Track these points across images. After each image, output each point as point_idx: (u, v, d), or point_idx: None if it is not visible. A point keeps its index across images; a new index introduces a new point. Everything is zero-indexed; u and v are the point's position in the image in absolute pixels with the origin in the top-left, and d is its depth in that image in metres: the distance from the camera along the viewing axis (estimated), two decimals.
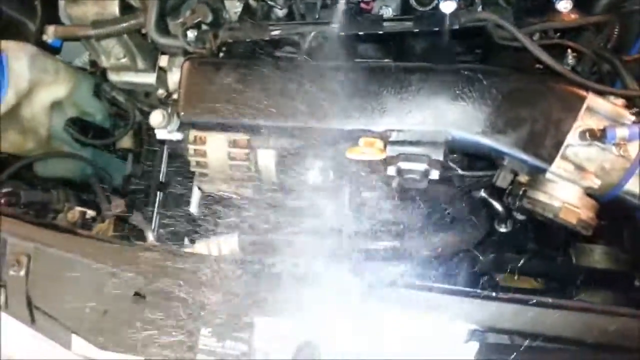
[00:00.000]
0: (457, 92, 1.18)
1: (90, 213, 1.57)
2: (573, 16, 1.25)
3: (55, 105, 1.83)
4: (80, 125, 1.91)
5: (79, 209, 1.55)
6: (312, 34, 1.33)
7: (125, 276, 1.26)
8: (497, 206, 1.71)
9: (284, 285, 1.22)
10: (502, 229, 1.79)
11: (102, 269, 1.28)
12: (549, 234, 1.72)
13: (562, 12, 1.06)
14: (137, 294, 1.23)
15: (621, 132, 1.08)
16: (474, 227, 1.39)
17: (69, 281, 1.29)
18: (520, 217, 1.70)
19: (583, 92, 1.16)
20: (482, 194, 1.68)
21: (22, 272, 1.29)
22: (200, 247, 1.47)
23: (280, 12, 1.46)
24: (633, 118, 1.16)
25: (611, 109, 1.16)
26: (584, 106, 1.14)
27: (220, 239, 1.47)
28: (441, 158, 1.19)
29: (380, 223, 1.38)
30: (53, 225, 1.44)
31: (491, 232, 1.78)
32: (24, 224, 1.35)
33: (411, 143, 1.21)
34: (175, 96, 1.45)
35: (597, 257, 1.64)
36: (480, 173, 1.51)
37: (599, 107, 1.15)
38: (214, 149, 1.45)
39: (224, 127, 1.35)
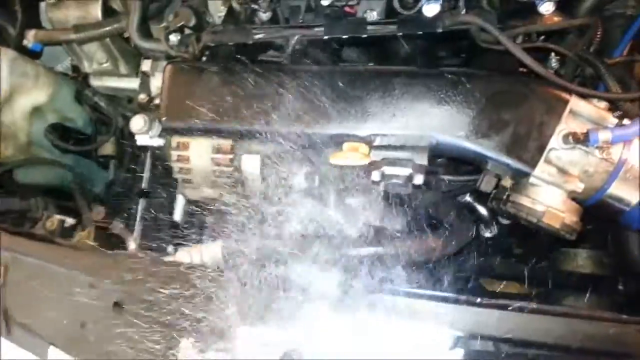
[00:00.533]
0: (441, 95, 1.17)
1: (70, 221, 1.54)
2: (556, 19, 1.25)
3: (36, 111, 1.80)
4: (61, 132, 1.89)
5: (58, 217, 1.52)
6: (296, 37, 1.32)
7: (105, 286, 1.24)
8: (482, 211, 1.71)
9: (267, 293, 1.21)
10: (487, 234, 1.78)
11: (80, 279, 1.26)
12: (534, 239, 1.72)
13: (545, 15, 1.06)
14: (116, 304, 1.21)
15: (604, 135, 1.08)
16: (459, 232, 1.38)
17: (47, 291, 1.27)
18: (505, 221, 1.69)
19: (566, 95, 1.16)
20: (467, 198, 1.68)
21: None
22: (182, 255, 1.44)
23: (264, 16, 1.45)
24: (616, 121, 1.16)
25: (594, 112, 1.16)
26: (567, 109, 1.14)
27: (203, 246, 1.44)
28: (425, 163, 1.18)
29: (365, 228, 1.36)
30: (31, 234, 1.41)
31: (476, 237, 1.79)
32: (1, 233, 1.33)
33: (395, 147, 1.20)
34: (157, 101, 1.42)
35: (581, 261, 1.64)
36: (465, 177, 1.51)
37: (582, 110, 1.15)
38: (198, 155, 1.43)
39: (206, 133, 1.33)
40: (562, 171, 1.15)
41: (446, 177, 1.57)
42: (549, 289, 1.68)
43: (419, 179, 1.20)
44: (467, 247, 1.59)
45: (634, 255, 1.40)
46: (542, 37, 1.33)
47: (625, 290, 1.55)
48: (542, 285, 1.71)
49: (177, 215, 1.96)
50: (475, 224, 1.75)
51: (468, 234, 1.42)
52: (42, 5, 1.84)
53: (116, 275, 1.24)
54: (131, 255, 1.39)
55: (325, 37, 1.30)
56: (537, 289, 1.72)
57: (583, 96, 1.18)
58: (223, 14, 1.56)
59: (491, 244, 1.78)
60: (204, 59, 1.45)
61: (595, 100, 1.19)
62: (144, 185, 2.04)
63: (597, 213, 1.25)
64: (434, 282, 1.48)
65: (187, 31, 1.52)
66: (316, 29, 1.32)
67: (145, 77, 1.76)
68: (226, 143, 1.39)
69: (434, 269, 1.47)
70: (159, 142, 1.41)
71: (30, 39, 1.70)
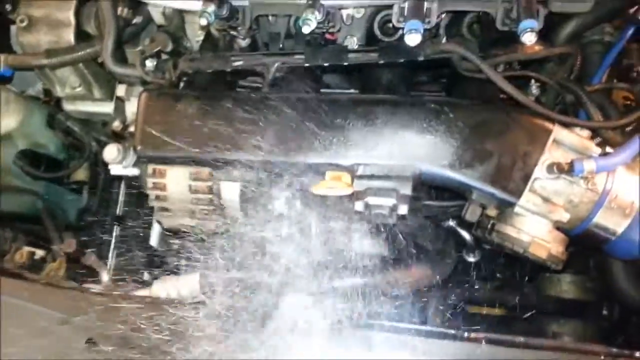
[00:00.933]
0: (424, 125, 1.16)
1: (40, 253, 1.48)
2: (537, 48, 1.25)
3: (5, 137, 1.73)
4: (31, 158, 1.82)
5: (27, 249, 1.45)
6: (276, 65, 1.30)
7: (77, 322, 1.19)
8: (466, 236, 1.70)
9: (246, 326, 1.17)
10: (471, 259, 1.77)
11: (52, 316, 1.21)
12: (517, 264, 1.71)
13: (527, 44, 1.05)
14: (89, 340, 1.16)
15: (589, 166, 1.07)
16: (443, 262, 1.36)
17: (16, 329, 1.21)
18: (488, 246, 1.68)
19: (549, 125, 1.15)
20: (450, 223, 1.66)
21: None
22: (158, 287, 1.39)
23: (243, 42, 1.42)
24: (599, 150, 1.15)
25: (577, 142, 1.15)
26: (551, 139, 1.14)
27: (180, 278, 1.40)
28: (409, 193, 1.17)
29: (348, 258, 1.34)
30: None
31: (460, 261, 1.77)
32: None
33: (379, 177, 1.18)
34: (131, 129, 1.38)
35: (565, 286, 1.64)
36: (448, 203, 1.49)
37: (565, 140, 1.15)
38: (175, 182, 1.39)
39: (183, 162, 1.29)
40: (547, 201, 1.14)
41: (429, 203, 1.55)
42: (534, 315, 1.68)
43: (403, 209, 1.18)
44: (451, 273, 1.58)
45: (620, 284, 1.40)
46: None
47: (610, 316, 1.55)
48: (526, 311, 1.70)
49: (154, 241, 1.91)
50: (459, 249, 1.75)
51: (451, 263, 1.41)
52: (13, 28, 1.79)
53: (88, 311, 1.19)
54: (103, 291, 1.34)
55: (306, 65, 1.28)
56: (522, 315, 1.72)
57: (566, 125, 1.17)
58: (201, 38, 1.53)
59: (475, 269, 1.77)
60: (181, 85, 1.42)
61: (577, 129, 1.19)
62: (118, 211, 1.99)
63: (583, 242, 1.24)
64: (419, 310, 1.46)
65: (163, 56, 1.49)
66: (296, 57, 1.30)
67: (120, 102, 1.73)
68: (204, 170, 1.35)
69: (419, 296, 1.45)
70: (133, 171, 1.36)
71: (1, 63, 1.64)
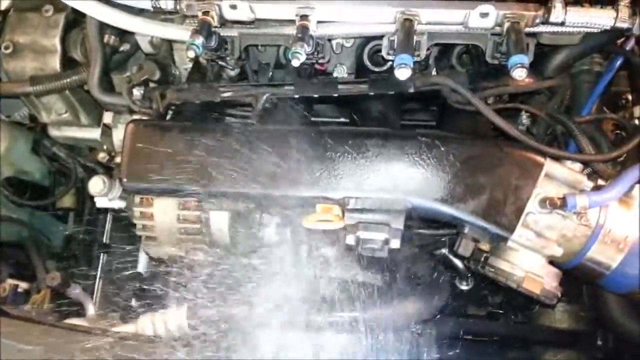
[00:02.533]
0: (415, 158, 1.14)
1: (23, 286, 1.44)
2: (527, 80, 1.24)
3: None
4: (16, 185, 1.81)
5: (10, 281, 1.43)
6: (265, 96, 1.28)
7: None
8: (458, 264, 1.69)
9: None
10: (464, 287, 1.76)
11: (33, 352, 1.18)
12: (510, 293, 1.70)
13: (519, 78, 1.05)
14: None
15: (581, 201, 1.07)
16: (436, 295, 1.34)
17: None
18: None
19: (541, 159, 1.15)
20: (444, 251, 1.65)
21: None
22: (144, 322, 1.36)
23: (232, 72, 1.41)
24: (591, 184, 1.14)
25: (569, 175, 1.14)
26: (543, 173, 1.13)
27: (167, 313, 1.36)
28: (401, 227, 1.16)
29: (340, 291, 1.32)
30: None
31: (453, 289, 1.76)
32: None
33: (370, 211, 1.16)
34: (117, 159, 1.36)
35: (559, 315, 1.63)
36: (441, 232, 1.48)
37: (557, 174, 1.14)
38: (162, 212, 1.37)
39: (170, 194, 1.27)
40: (540, 235, 1.13)
41: (421, 231, 1.54)
42: (528, 344, 1.66)
43: (395, 243, 1.17)
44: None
45: (613, 315, 1.39)
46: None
47: (604, 346, 1.54)
48: (520, 341, 1.69)
49: (141, 267, 1.89)
50: (452, 277, 1.73)
51: (444, 298, 1.38)
52: None
53: (70, 350, 1.16)
54: (86, 328, 1.30)
55: (295, 96, 1.27)
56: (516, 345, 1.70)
57: (557, 158, 1.17)
58: (189, 66, 1.52)
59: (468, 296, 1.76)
60: (169, 115, 1.40)
61: (569, 162, 1.18)
62: (105, 239, 1.96)
63: (577, 276, 1.23)
64: (413, 343, 1.44)
65: (151, 85, 1.47)
66: (286, 88, 1.28)
67: (107, 130, 1.71)
68: (192, 199, 1.33)
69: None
70: (119, 204, 1.34)
71: None
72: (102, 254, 1.92)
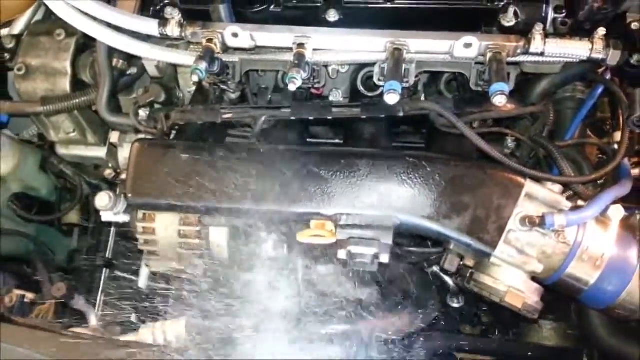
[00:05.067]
0: (404, 178, 1.21)
1: (30, 296, 1.50)
2: (509, 106, 1.33)
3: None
4: (24, 201, 1.87)
5: (17, 292, 1.48)
6: (264, 118, 1.36)
7: None
8: (449, 282, 1.74)
9: None
10: (455, 304, 1.81)
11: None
12: (499, 310, 1.75)
13: (500, 105, 1.12)
14: None
15: (559, 220, 1.13)
16: (426, 308, 1.40)
17: None
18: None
19: (521, 180, 1.21)
20: (435, 269, 1.70)
21: None
22: (145, 333, 1.41)
23: (233, 95, 1.49)
24: (569, 204, 1.21)
25: (549, 196, 1.21)
26: (523, 193, 1.19)
27: (167, 324, 1.42)
28: (390, 242, 1.21)
29: (333, 305, 1.37)
30: None
31: (445, 307, 1.81)
32: None
33: (360, 227, 1.22)
34: (123, 176, 1.43)
35: (546, 333, 1.67)
36: (431, 250, 1.54)
37: (537, 194, 1.21)
38: (164, 227, 1.43)
39: (172, 209, 1.34)
40: (522, 252, 1.19)
41: (412, 249, 1.60)
42: None
43: (384, 258, 1.23)
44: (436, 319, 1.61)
45: (597, 331, 1.44)
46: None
47: None
48: (510, 358, 1.73)
49: (142, 283, 1.94)
50: (443, 295, 1.78)
51: (433, 311, 1.44)
52: (11, 75, 1.85)
53: (75, 355, 1.21)
54: (89, 336, 1.36)
55: (292, 118, 1.35)
56: None
57: (538, 179, 1.23)
58: (193, 89, 1.60)
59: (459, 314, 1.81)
60: (172, 135, 1.47)
61: (549, 183, 1.24)
62: (108, 254, 2.02)
63: (559, 291, 1.28)
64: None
65: (156, 106, 1.55)
66: (283, 110, 1.36)
67: (113, 148, 1.78)
68: (193, 215, 1.39)
69: (406, 342, 1.48)
70: (124, 218, 1.40)
71: None
72: (104, 269, 1.98)
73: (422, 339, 1.46)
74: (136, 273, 1.87)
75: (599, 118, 1.64)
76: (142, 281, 1.94)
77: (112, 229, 1.99)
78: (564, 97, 1.54)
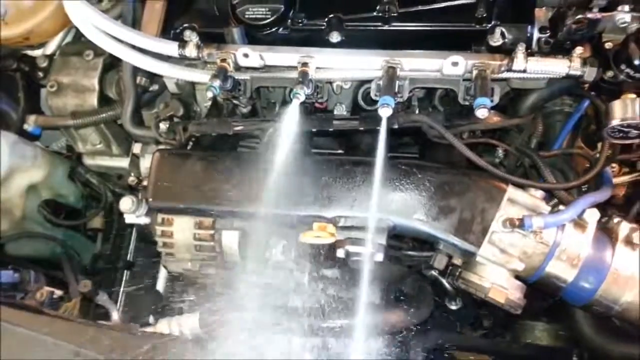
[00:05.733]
0: (396, 184, 1.33)
1: (58, 292, 1.64)
2: (496, 119, 1.44)
3: (31, 188, 1.92)
4: (53, 207, 2.00)
5: (47, 288, 1.61)
6: (271, 129, 1.49)
7: (88, 354, 1.33)
8: (446, 285, 1.83)
9: None
10: (453, 307, 1.90)
11: (67, 348, 1.34)
12: (495, 312, 1.85)
13: (482, 118, 1.24)
14: None
15: (537, 222, 1.23)
16: (420, 305, 1.50)
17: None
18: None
19: (504, 185, 1.32)
20: (433, 273, 1.80)
21: None
22: (162, 326, 1.53)
23: (245, 109, 1.61)
24: (548, 208, 1.31)
25: (529, 200, 1.32)
26: (505, 198, 1.30)
27: (182, 318, 1.54)
28: (384, 242, 1.32)
29: (332, 301, 1.48)
30: (21, 305, 1.50)
31: (444, 310, 1.90)
32: None
33: (357, 228, 1.34)
34: (145, 183, 1.56)
35: (539, 333, 1.75)
36: (429, 253, 1.64)
37: (519, 199, 1.31)
38: (181, 230, 1.54)
39: (189, 212, 1.47)
40: (504, 252, 1.29)
41: (411, 253, 1.71)
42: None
43: (379, 257, 1.33)
44: (436, 320, 1.71)
45: (583, 330, 1.50)
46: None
47: None
48: (506, 357, 1.81)
49: (160, 286, 2.06)
50: (442, 297, 1.88)
51: (429, 306, 1.54)
52: (43, 92, 2.01)
53: (99, 344, 1.32)
54: (112, 326, 1.48)
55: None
56: None
57: (521, 186, 1.34)
58: (208, 104, 1.74)
59: (457, 316, 1.90)
60: (189, 145, 1.61)
61: (532, 189, 1.35)
62: (129, 257, 2.16)
63: (541, 289, 1.38)
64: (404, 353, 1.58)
65: (175, 120, 1.69)
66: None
67: (135, 159, 1.92)
68: (208, 219, 1.51)
69: (405, 340, 1.57)
70: (145, 220, 1.53)
71: (31, 123, 1.84)
72: (125, 271, 2.12)
73: (415, 335, 1.55)
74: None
75: (592, 130, 1.74)
76: (160, 284, 2.07)
77: (133, 234, 2.12)
78: (553, 110, 1.65)
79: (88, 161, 2.05)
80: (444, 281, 1.80)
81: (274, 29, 1.46)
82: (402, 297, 1.58)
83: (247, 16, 1.43)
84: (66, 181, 2.05)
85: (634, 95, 1.29)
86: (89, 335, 1.37)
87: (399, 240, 1.73)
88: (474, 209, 1.31)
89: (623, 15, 1.30)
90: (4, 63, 1.97)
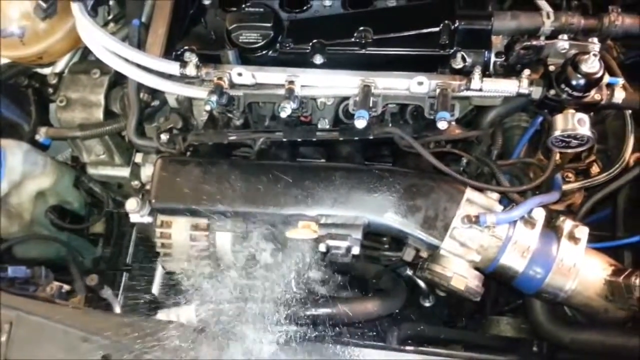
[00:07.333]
0: (371, 186, 1.52)
1: (66, 287, 1.79)
2: (457, 131, 1.65)
3: (40, 195, 2.08)
4: (59, 212, 2.16)
5: (56, 283, 1.76)
6: (261, 139, 1.68)
7: (95, 340, 1.47)
8: (421, 283, 2.02)
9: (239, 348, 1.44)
10: (426, 304, 2.08)
11: (75, 334, 1.47)
12: (464, 309, 2.04)
13: (442, 129, 1.44)
14: (105, 357, 1.42)
15: (490, 219, 1.43)
16: (393, 297, 1.68)
17: (46, 346, 1.46)
18: (442, 293, 1.99)
19: (463, 188, 1.52)
20: (408, 272, 1.99)
21: (3, 338, 1.46)
22: (161, 317, 1.68)
23: (238, 122, 1.79)
24: (502, 208, 1.51)
25: (485, 201, 1.51)
26: (464, 198, 1.50)
27: (179, 309, 1.69)
28: (360, 237, 1.49)
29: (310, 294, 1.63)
30: (34, 296, 1.65)
31: (418, 307, 2.08)
32: (8, 295, 1.56)
33: (336, 225, 1.51)
34: (147, 187, 1.73)
35: (503, 327, 1.92)
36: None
37: (476, 199, 1.50)
38: (178, 232, 1.68)
39: (187, 213, 1.64)
40: (464, 245, 1.47)
41: (387, 253, 1.90)
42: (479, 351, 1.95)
43: (356, 250, 1.50)
44: (410, 314, 1.88)
45: (538, 319, 1.66)
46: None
47: (540, 352, 1.81)
48: (474, 349, 1.98)
49: (155, 289, 2.20)
50: (416, 295, 2.06)
51: (402, 298, 1.72)
52: (52, 106, 2.18)
53: (105, 331, 1.46)
54: (118, 314, 1.63)
55: (284, 140, 1.66)
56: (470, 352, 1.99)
57: (478, 189, 1.54)
58: (205, 118, 1.91)
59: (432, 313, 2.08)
60: (188, 154, 1.79)
61: (489, 192, 1.55)
62: (128, 259, 2.31)
63: (498, 279, 1.57)
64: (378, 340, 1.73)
65: (175, 131, 1.86)
66: (277, 133, 1.68)
67: (136, 167, 2.09)
68: (203, 222, 1.66)
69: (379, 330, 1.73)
70: (148, 219, 1.70)
71: (42, 134, 2.01)
72: (124, 272, 2.27)
73: (387, 326, 1.71)
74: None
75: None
76: (156, 286, 2.21)
77: (133, 238, 2.28)
78: (511, 125, 1.86)
79: (91, 171, 2.21)
80: (417, 280, 1.99)
81: (264, 52, 1.63)
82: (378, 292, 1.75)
83: (240, 40, 1.62)
84: (72, 189, 2.22)
85: (573, 111, 1.50)
86: (97, 322, 1.52)
87: (377, 242, 1.93)
88: (437, 208, 1.49)
89: (563, 42, 1.52)
90: (16, 80, 2.15)
